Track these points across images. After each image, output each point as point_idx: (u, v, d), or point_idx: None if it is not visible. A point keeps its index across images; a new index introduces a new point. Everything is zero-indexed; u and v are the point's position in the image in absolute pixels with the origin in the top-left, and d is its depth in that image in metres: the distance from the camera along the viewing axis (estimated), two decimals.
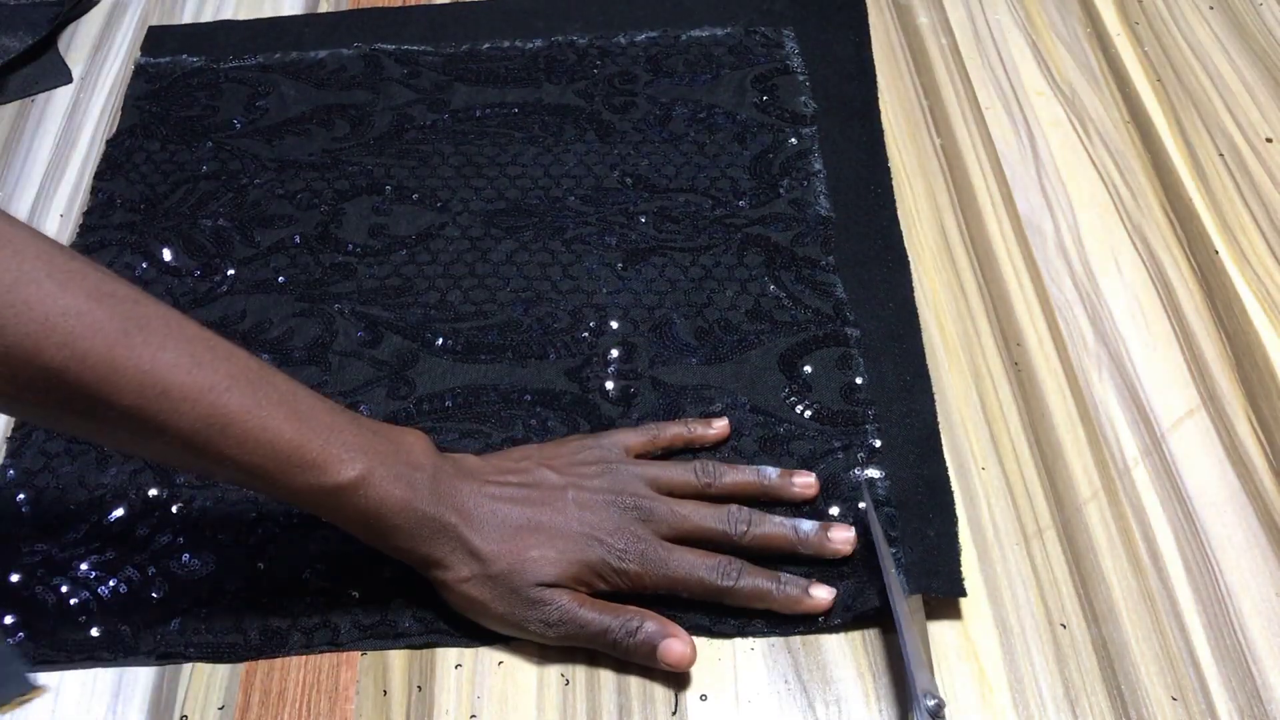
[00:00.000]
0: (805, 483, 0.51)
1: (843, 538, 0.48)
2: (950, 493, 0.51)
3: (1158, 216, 0.62)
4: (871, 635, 0.47)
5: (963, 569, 0.48)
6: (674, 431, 0.53)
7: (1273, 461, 0.52)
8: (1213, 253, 0.60)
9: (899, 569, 0.47)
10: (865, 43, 0.73)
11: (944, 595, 0.47)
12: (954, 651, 0.46)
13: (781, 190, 0.64)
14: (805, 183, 0.65)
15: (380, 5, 0.79)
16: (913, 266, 0.60)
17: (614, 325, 0.58)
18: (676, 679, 0.46)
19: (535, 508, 0.47)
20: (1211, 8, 0.74)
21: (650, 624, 0.46)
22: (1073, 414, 0.54)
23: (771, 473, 0.51)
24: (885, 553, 0.47)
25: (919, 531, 0.49)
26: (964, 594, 0.47)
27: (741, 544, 0.48)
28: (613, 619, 0.46)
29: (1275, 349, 0.56)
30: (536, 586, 0.46)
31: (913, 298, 0.59)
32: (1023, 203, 0.63)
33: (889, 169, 0.65)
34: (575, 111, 0.70)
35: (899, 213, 0.63)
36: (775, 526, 0.48)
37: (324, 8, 0.80)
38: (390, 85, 0.73)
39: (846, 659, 0.46)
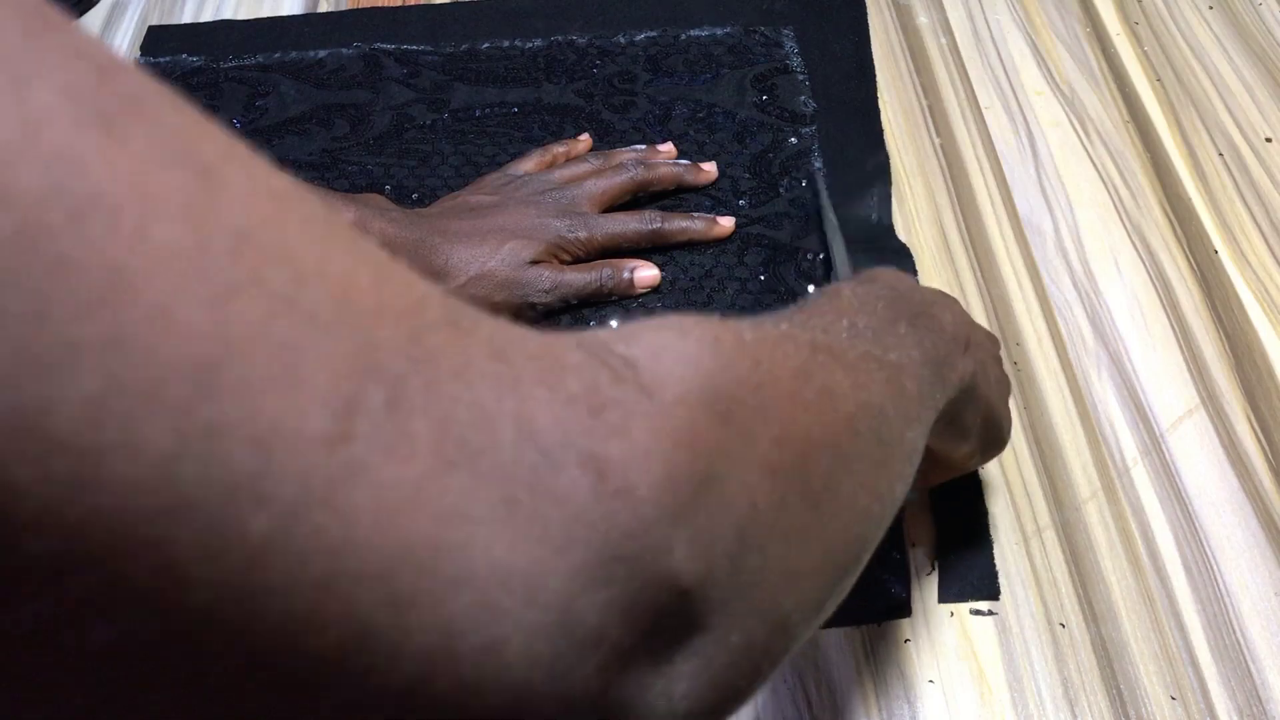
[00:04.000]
0: (667, 148, 0.64)
1: (708, 167, 0.64)
2: (978, 481, 0.51)
3: (1157, 216, 0.62)
4: (871, 635, 0.47)
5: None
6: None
7: (1272, 461, 0.52)
8: (1212, 252, 0.60)
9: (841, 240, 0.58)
10: (865, 43, 0.73)
11: (981, 599, 0.47)
12: (953, 651, 0.46)
13: (781, 190, 0.64)
14: (805, 182, 0.65)
15: (380, 5, 0.79)
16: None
17: (613, 324, 0.58)
18: None
19: (492, 217, 0.57)
20: (1211, 8, 0.74)
21: (623, 268, 0.58)
22: (1072, 414, 0.54)
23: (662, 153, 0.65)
24: (830, 219, 0.59)
25: (950, 530, 0.50)
26: (997, 595, 0.47)
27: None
28: (593, 273, 0.57)
29: (1275, 349, 0.56)
30: (523, 266, 0.56)
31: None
32: (1022, 203, 0.63)
33: (889, 169, 0.65)
34: (575, 111, 0.70)
35: (899, 213, 0.63)
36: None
37: (324, 8, 0.80)
38: (390, 85, 0.73)
39: (846, 658, 0.46)
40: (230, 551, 0.13)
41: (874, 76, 0.71)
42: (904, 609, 0.47)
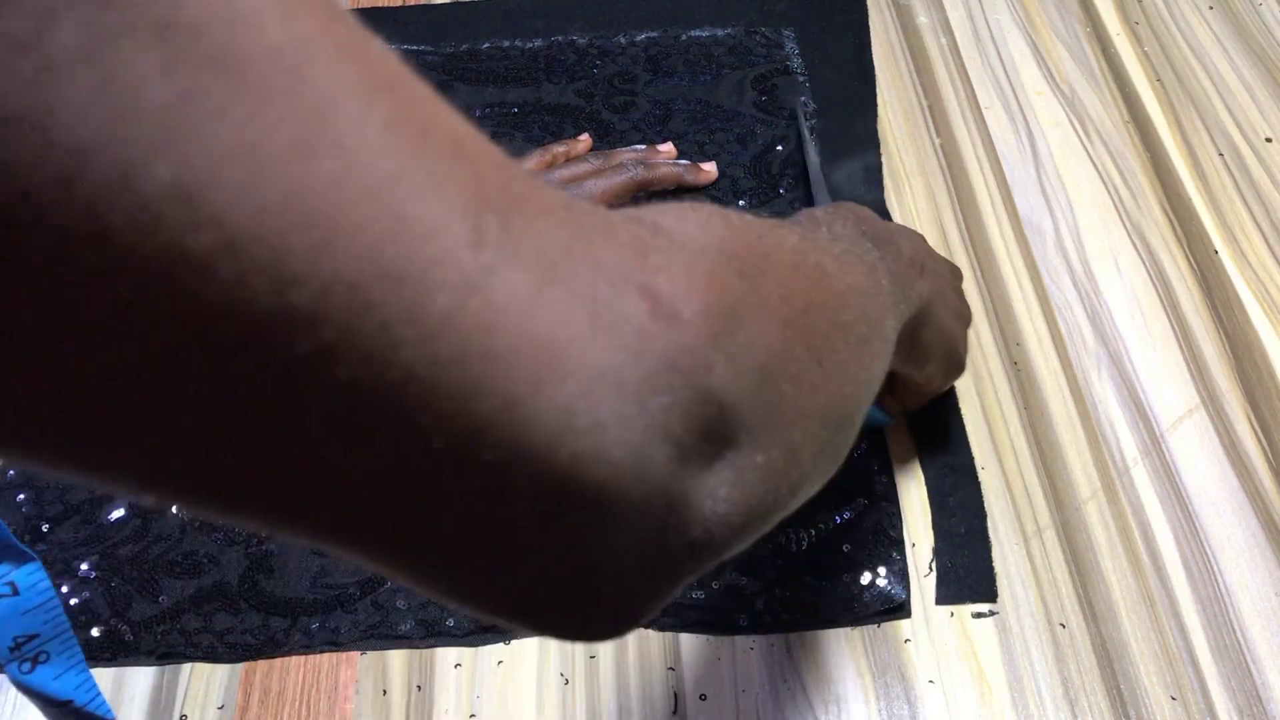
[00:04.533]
0: (667, 148, 0.65)
1: (708, 167, 0.64)
2: (978, 483, 0.51)
3: (1157, 216, 0.62)
4: (872, 635, 0.47)
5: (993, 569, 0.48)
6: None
7: (1272, 461, 0.52)
8: (1212, 252, 0.60)
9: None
10: (865, 43, 0.73)
11: (978, 600, 0.47)
12: (953, 651, 0.46)
13: (782, 190, 0.64)
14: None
15: (380, 5, 0.79)
16: None
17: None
18: (676, 678, 0.46)
19: None
20: (1211, 8, 0.74)
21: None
22: (1072, 414, 0.54)
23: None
24: (812, 156, 0.63)
25: (949, 531, 0.50)
26: (994, 598, 0.47)
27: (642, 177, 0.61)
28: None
29: (1275, 349, 0.56)
30: None
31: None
32: (1022, 203, 0.63)
33: (879, 157, 0.65)
34: (575, 111, 0.70)
35: (899, 213, 0.63)
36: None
37: None
38: None
39: (846, 658, 0.46)
40: (423, 321, 0.15)
41: (874, 77, 0.71)
42: (904, 609, 0.47)
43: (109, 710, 0.32)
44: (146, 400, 0.14)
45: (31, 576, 0.30)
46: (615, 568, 0.19)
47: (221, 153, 0.13)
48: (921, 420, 0.54)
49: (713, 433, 0.19)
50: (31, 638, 0.30)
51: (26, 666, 0.30)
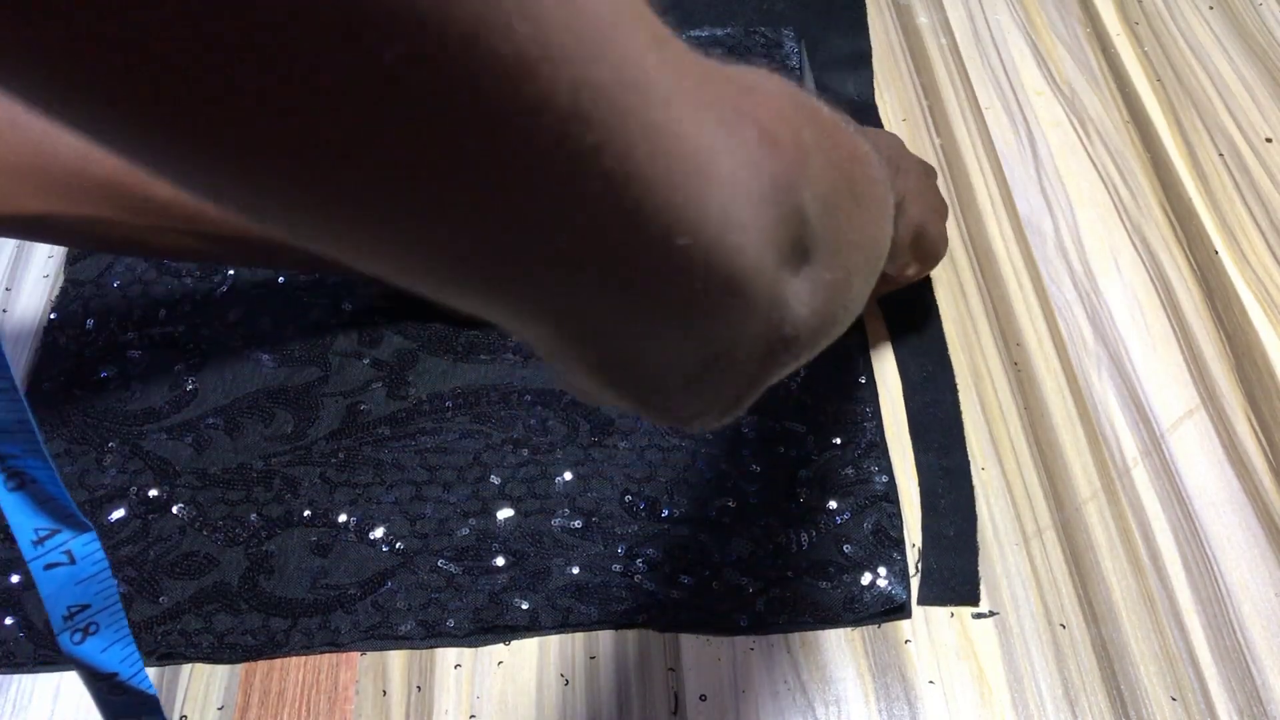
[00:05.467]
0: None
1: None
2: (971, 486, 0.51)
3: (1157, 216, 0.62)
4: (872, 636, 0.47)
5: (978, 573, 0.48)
6: None
7: (1272, 461, 0.52)
8: (1212, 253, 0.60)
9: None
10: (865, 43, 0.73)
11: (960, 604, 0.47)
12: (953, 651, 0.46)
13: None
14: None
15: None
16: None
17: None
18: (676, 679, 0.46)
19: None
20: (1211, 8, 0.74)
21: None
22: (1072, 414, 0.54)
23: None
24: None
25: (937, 532, 0.50)
26: (976, 601, 0.47)
27: None
28: None
29: (1275, 349, 0.56)
30: None
31: (930, 288, 0.59)
32: (1022, 203, 0.63)
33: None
34: None
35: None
36: None
37: None
38: None
39: (846, 659, 0.46)
40: (651, 126, 0.18)
41: (874, 77, 0.71)
42: (904, 610, 0.47)
43: (151, 686, 0.32)
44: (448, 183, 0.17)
45: (87, 546, 0.30)
46: (736, 356, 0.23)
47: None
48: (924, 417, 0.54)
49: (798, 246, 0.23)
50: (84, 608, 0.30)
51: (78, 637, 0.30)
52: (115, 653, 0.31)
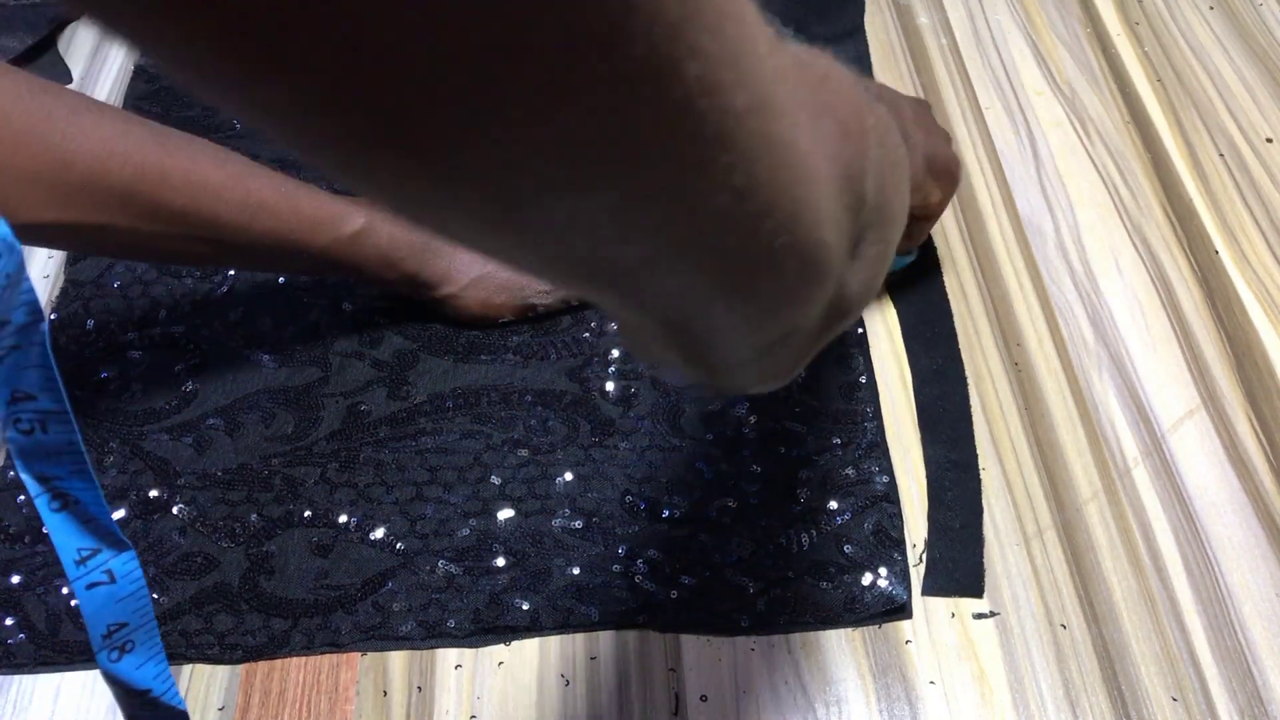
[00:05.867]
0: None
1: None
2: (979, 480, 0.51)
3: (1158, 216, 0.62)
4: (873, 636, 0.47)
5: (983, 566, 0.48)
6: None
7: (1273, 461, 0.52)
8: (1213, 253, 0.60)
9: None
10: (864, 43, 0.73)
11: (964, 595, 0.47)
12: (954, 651, 0.46)
13: None
14: None
15: None
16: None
17: (614, 325, 0.58)
18: (677, 679, 0.46)
19: None
20: (1211, 8, 0.74)
21: None
22: (1073, 414, 0.54)
23: None
24: None
25: (943, 525, 0.50)
26: (980, 594, 0.47)
27: None
28: None
29: (1275, 349, 0.56)
30: None
31: (941, 281, 0.59)
32: (1023, 203, 0.63)
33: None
34: None
35: None
36: None
37: None
38: None
39: (846, 659, 0.46)
40: (756, 101, 0.18)
41: (873, 77, 0.71)
42: (905, 610, 0.47)
43: (181, 701, 0.33)
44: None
45: (126, 565, 0.30)
46: (804, 330, 0.25)
47: None
48: (935, 411, 0.54)
49: (860, 229, 0.25)
50: (122, 626, 0.30)
51: (115, 655, 0.30)
52: (149, 670, 0.31)
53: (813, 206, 0.21)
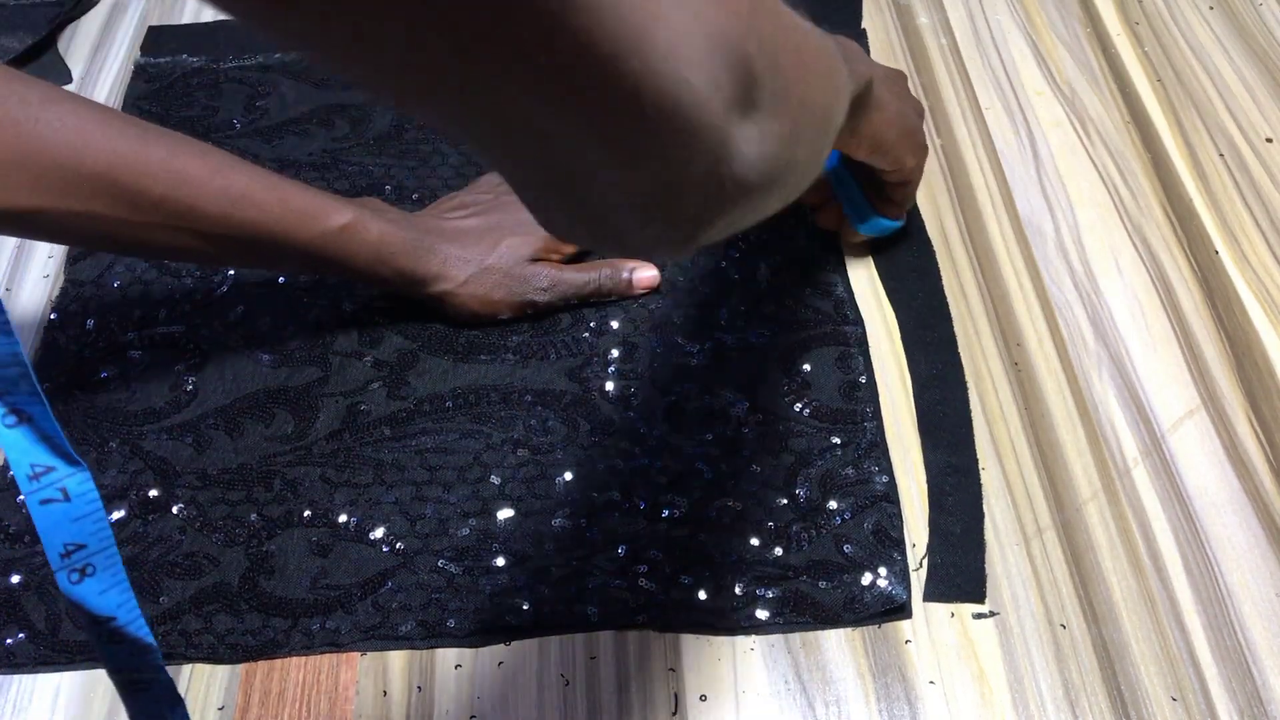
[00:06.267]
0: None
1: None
2: (979, 484, 0.51)
3: (1158, 216, 0.62)
4: (871, 635, 0.47)
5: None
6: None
7: (1273, 461, 0.52)
8: (1213, 253, 0.60)
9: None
10: (864, 43, 0.73)
11: (966, 600, 0.48)
12: (954, 651, 0.46)
13: None
14: None
15: None
16: None
17: (614, 325, 0.58)
18: (676, 679, 0.46)
19: (490, 215, 0.58)
20: (1211, 8, 0.74)
21: (622, 269, 0.58)
22: (1073, 414, 0.54)
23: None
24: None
25: (944, 530, 0.50)
26: (982, 599, 0.47)
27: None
28: (592, 273, 0.58)
29: (1275, 349, 0.56)
30: (521, 263, 0.56)
31: (940, 285, 0.59)
32: (1023, 203, 0.63)
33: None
34: None
35: None
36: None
37: None
38: None
39: (846, 659, 0.46)
40: None
41: None
42: (905, 610, 0.47)
43: (149, 635, 0.32)
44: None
45: (82, 485, 0.30)
46: (686, 186, 0.26)
47: None
48: (934, 415, 0.54)
49: (746, 94, 0.25)
50: (80, 547, 0.30)
51: (75, 576, 0.30)
52: (112, 597, 0.31)
53: (663, 39, 0.22)
